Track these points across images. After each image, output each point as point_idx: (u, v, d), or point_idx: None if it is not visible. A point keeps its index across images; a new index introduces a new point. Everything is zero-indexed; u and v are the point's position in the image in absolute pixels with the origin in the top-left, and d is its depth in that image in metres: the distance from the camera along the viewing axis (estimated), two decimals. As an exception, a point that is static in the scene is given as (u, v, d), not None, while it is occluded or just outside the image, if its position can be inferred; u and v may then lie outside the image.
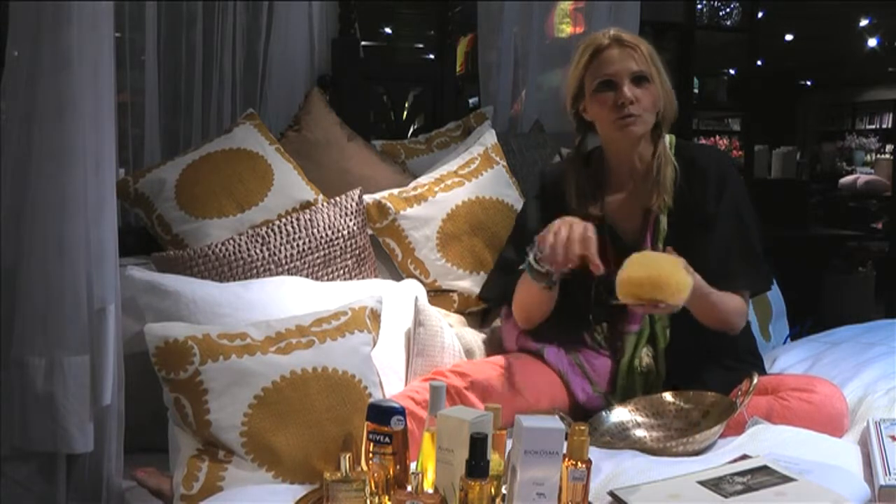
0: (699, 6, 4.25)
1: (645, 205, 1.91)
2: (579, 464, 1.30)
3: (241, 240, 1.98)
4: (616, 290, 1.64)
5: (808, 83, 12.10)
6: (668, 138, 1.95)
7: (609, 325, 1.95)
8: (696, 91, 4.46)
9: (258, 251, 1.97)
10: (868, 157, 10.42)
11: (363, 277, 2.12)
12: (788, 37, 8.63)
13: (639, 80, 1.86)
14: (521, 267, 1.81)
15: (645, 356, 1.90)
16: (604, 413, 1.83)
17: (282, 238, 2.01)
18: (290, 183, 2.16)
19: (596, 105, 1.90)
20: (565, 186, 1.97)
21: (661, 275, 1.60)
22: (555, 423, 1.32)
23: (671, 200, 1.89)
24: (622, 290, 1.63)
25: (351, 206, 2.13)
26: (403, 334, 1.96)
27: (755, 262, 1.92)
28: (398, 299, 1.99)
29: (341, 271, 2.08)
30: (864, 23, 7.75)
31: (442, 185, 2.28)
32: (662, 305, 1.63)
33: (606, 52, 1.87)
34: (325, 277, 2.05)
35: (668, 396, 1.83)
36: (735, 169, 2.00)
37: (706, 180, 1.90)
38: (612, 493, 1.39)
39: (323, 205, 2.12)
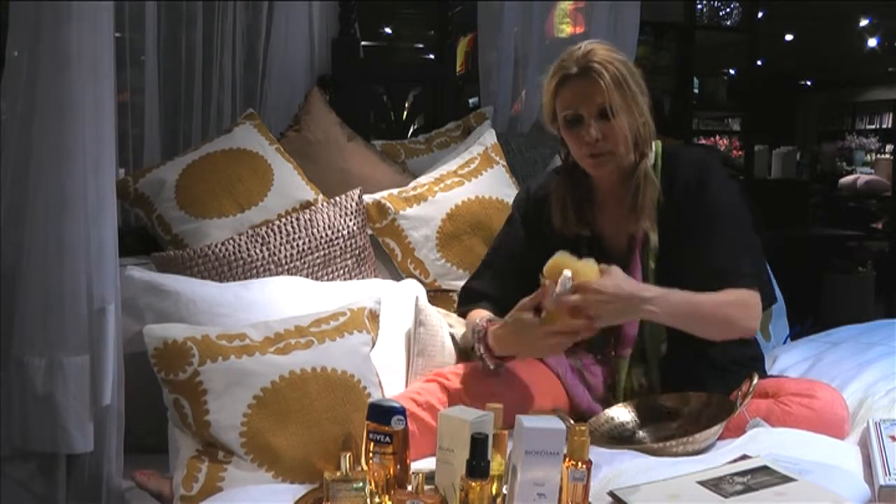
0: (699, 6, 4.26)
1: (630, 227, 1.87)
2: (580, 464, 1.30)
3: (240, 240, 1.98)
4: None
5: (808, 83, 12.10)
6: (655, 146, 1.89)
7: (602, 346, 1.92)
8: (696, 91, 4.46)
9: (258, 251, 1.97)
10: (868, 157, 10.42)
11: (363, 277, 2.12)
12: (788, 37, 8.64)
13: (605, 114, 1.77)
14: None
15: (635, 376, 1.88)
16: (604, 413, 1.83)
17: (282, 238, 2.00)
18: (290, 183, 2.15)
19: (566, 135, 1.84)
20: (551, 204, 1.93)
21: (563, 260, 1.67)
22: (555, 423, 1.32)
23: (656, 221, 1.84)
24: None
25: (351, 206, 2.13)
26: (403, 334, 1.96)
27: (743, 256, 1.83)
28: (398, 299, 1.99)
29: (341, 271, 2.08)
30: (864, 23, 7.75)
31: (442, 185, 2.28)
32: (591, 312, 1.63)
33: (571, 84, 1.78)
34: (325, 277, 2.05)
35: (668, 397, 1.83)
36: (718, 168, 1.91)
37: (686, 192, 1.84)
38: (612, 494, 1.39)
39: (323, 205, 2.12)
